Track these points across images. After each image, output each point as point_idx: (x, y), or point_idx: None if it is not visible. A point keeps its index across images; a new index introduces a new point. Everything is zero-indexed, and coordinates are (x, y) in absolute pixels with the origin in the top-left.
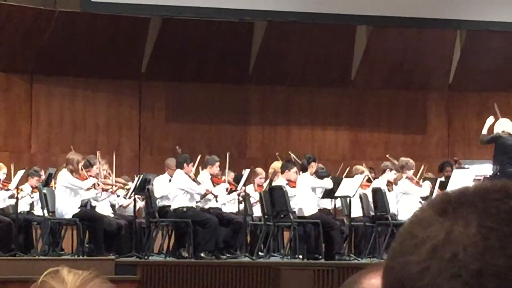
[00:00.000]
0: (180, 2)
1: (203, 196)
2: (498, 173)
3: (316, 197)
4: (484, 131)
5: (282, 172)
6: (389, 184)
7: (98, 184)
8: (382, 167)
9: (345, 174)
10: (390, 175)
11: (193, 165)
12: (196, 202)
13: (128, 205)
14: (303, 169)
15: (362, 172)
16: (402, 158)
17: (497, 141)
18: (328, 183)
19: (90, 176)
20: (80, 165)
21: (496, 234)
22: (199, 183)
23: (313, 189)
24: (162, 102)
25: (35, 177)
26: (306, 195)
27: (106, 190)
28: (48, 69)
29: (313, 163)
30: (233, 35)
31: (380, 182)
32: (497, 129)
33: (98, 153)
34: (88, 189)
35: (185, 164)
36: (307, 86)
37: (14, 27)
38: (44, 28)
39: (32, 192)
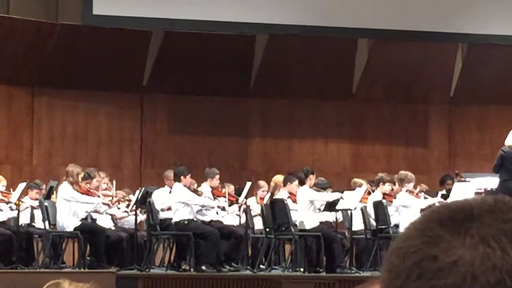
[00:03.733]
0: (181, 15)
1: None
2: (499, 187)
3: (316, 210)
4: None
5: (284, 185)
6: (387, 196)
7: (107, 204)
8: (376, 180)
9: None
10: (385, 187)
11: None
12: (196, 212)
13: (122, 217)
14: (301, 182)
15: (360, 185)
16: (402, 172)
17: (503, 158)
18: (327, 196)
19: (90, 189)
20: (80, 177)
21: None
22: (200, 194)
23: (312, 202)
24: (163, 115)
25: (34, 189)
26: (305, 208)
27: (107, 204)
28: (49, 82)
29: (311, 176)
30: (235, 48)
31: (376, 196)
32: (508, 140)
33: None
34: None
35: (182, 177)
36: (309, 99)
37: (16, 40)
38: (46, 41)
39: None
